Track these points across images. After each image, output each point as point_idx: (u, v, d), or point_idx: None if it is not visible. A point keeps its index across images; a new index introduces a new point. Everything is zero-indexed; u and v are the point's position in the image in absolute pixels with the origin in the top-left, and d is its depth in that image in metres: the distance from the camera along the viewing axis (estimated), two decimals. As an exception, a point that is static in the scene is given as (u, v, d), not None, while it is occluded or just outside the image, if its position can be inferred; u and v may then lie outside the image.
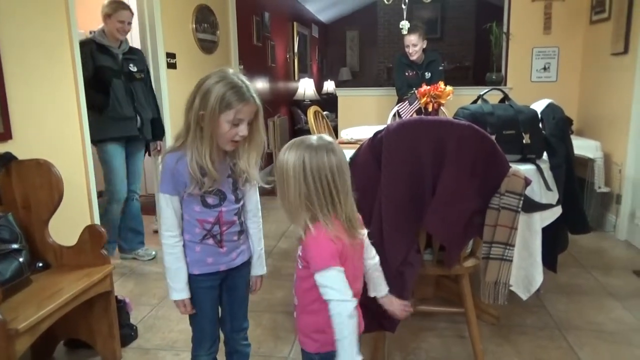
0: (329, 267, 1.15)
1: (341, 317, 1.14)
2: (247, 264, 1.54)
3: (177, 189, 1.39)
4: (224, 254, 1.46)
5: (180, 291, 1.44)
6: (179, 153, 1.36)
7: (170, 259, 1.42)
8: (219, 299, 1.55)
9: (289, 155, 1.17)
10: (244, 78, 1.35)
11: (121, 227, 3.15)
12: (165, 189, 1.39)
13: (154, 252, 3.18)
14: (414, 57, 3.91)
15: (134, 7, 3.13)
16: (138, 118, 3.01)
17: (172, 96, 3.46)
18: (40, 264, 1.99)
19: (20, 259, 1.82)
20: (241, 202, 1.48)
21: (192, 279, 1.46)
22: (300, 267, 1.25)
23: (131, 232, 3.19)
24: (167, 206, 1.40)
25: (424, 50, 3.93)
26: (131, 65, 2.99)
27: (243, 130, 1.33)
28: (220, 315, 1.58)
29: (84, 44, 2.77)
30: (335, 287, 1.15)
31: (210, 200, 1.40)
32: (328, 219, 1.18)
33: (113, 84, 2.86)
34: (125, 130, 2.95)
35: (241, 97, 1.31)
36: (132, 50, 3.06)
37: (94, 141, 2.89)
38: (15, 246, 1.84)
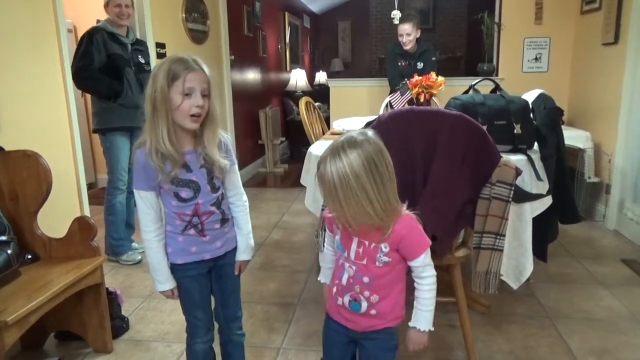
0: (428, 245, 1.22)
1: (435, 290, 1.25)
2: (234, 252, 1.54)
3: (150, 183, 1.37)
4: (207, 242, 1.45)
5: (164, 282, 1.45)
6: (144, 146, 1.34)
7: (151, 254, 1.43)
8: (210, 288, 1.55)
9: (350, 159, 1.09)
10: (194, 56, 1.35)
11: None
12: (139, 186, 1.38)
13: (139, 257, 3.04)
14: (407, 47, 3.87)
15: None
16: None
17: (162, 87, 3.42)
18: (29, 256, 1.97)
19: (9, 251, 1.79)
20: (219, 192, 1.45)
21: (177, 269, 1.45)
22: (380, 264, 1.21)
23: (127, 225, 3.16)
24: (143, 202, 1.39)
25: (417, 40, 3.90)
26: (139, 56, 2.97)
27: (197, 100, 1.31)
28: (213, 305, 1.58)
29: (95, 32, 2.77)
30: (431, 263, 1.24)
31: (184, 194, 1.38)
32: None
33: (125, 72, 2.84)
34: (134, 121, 2.90)
35: (186, 65, 1.30)
36: (139, 41, 3.04)
37: (100, 130, 2.88)
38: (3, 238, 1.82)
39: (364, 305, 1.24)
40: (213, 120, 1.38)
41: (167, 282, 1.45)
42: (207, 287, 1.52)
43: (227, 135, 1.47)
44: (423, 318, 1.25)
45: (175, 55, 1.34)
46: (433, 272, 1.25)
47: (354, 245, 1.22)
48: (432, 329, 1.27)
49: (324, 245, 1.41)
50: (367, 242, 1.21)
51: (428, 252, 1.23)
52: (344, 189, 1.09)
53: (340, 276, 1.26)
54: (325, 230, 1.36)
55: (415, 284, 1.26)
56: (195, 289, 1.48)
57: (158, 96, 1.30)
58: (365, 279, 1.22)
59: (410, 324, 1.27)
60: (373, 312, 1.25)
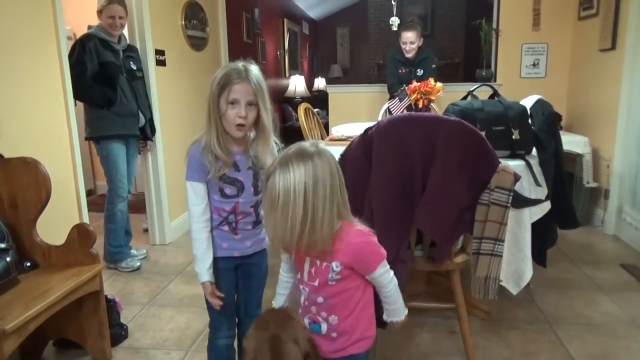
0: (383, 258, 1.19)
1: (396, 282, 1.26)
2: (262, 252, 1.60)
3: (202, 176, 1.43)
4: (238, 240, 1.52)
5: (204, 275, 1.49)
6: (200, 143, 1.42)
7: (197, 245, 1.48)
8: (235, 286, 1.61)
9: (294, 174, 1.07)
10: (251, 66, 1.40)
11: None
12: (192, 177, 1.45)
13: (138, 264, 3.03)
14: (410, 55, 3.89)
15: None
16: (141, 116, 2.99)
17: (161, 93, 3.43)
18: (28, 264, 1.97)
19: (8, 259, 1.79)
20: (260, 194, 1.51)
21: None
22: (332, 282, 1.17)
23: (125, 232, 3.13)
24: (194, 194, 1.45)
25: (419, 47, 3.92)
26: (131, 62, 2.97)
27: (241, 111, 1.36)
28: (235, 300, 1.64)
29: (88, 39, 2.76)
30: (389, 270, 1.22)
31: (228, 190, 1.45)
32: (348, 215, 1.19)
33: (119, 79, 2.84)
34: (128, 129, 2.91)
35: (236, 76, 1.36)
36: (130, 47, 3.03)
37: (95, 138, 2.87)
38: (2, 245, 1.82)
39: (324, 327, 1.22)
40: (264, 130, 1.43)
41: (205, 275, 1.48)
42: (233, 283, 1.58)
43: (279, 143, 1.52)
44: (395, 312, 1.29)
45: (233, 64, 1.39)
46: (391, 274, 1.24)
47: (306, 266, 1.21)
48: (406, 311, 1.31)
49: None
50: (318, 262, 1.18)
51: (384, 263, 1.21)
52: (285, 202, 1.07)
53: (299, 298, 1.26)
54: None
55: (377, 290, 1.26)
56: (223, 283, 1.54)
57: (211, 101, 1.37)
58: (320, 299, 1.20)
59: (386, 318, 1.29)
60: (334, 334, 1.21)
